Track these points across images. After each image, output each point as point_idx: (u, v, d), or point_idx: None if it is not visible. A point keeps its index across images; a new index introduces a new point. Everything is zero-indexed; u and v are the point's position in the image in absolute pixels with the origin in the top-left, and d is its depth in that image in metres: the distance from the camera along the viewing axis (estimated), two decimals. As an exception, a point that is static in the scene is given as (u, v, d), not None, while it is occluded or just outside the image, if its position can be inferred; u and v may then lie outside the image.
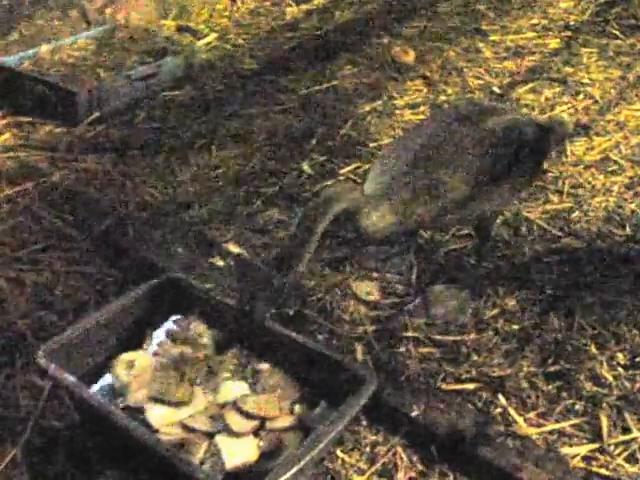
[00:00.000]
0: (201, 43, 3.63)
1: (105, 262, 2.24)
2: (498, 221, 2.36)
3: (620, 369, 1.91)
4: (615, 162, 2.75)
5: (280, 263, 1.63)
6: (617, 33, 3.74)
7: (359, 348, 1.94)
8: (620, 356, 1.94)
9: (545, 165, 2.60)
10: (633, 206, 2.50)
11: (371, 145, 2.83)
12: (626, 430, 1.76)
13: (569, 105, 3.12)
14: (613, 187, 2.61)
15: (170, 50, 3.36)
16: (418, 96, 3.21)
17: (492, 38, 3.73)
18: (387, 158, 1.88)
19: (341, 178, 2.63)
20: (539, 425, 1.76)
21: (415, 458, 1.71)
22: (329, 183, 2.59)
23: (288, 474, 1.44)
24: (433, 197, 1.82)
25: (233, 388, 1.73)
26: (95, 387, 1.73)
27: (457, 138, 1.88)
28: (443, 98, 3.18)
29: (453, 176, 1.83)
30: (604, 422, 1.77)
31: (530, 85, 3.28)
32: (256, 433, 1.63)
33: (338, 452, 1.71)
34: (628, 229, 2.40)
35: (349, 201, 1.69)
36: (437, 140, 1.87)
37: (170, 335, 1.85)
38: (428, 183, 1.81)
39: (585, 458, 1.69)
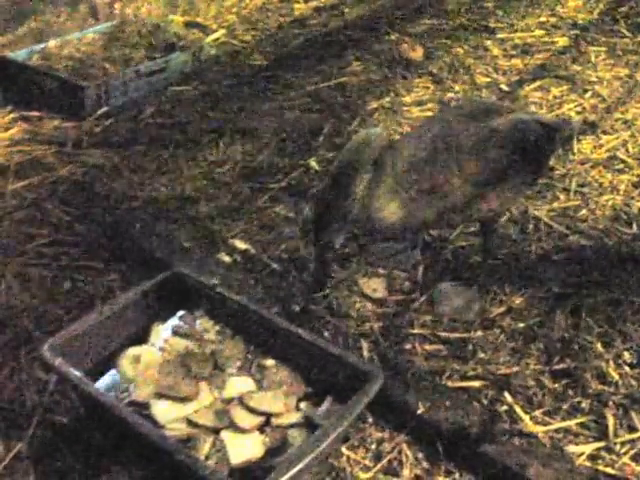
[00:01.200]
0: (209, 39, 3.63)
1: (111, 257, 2.24)
2: (505, 218, 2.36)
3: (626, 368, 1.90)
4: (622, 160, 2.74)
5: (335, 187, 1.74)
6: (625, 32, 3.72)
7: (365, 345, 1.94)
8: (626, 355, 1.94)
9: (552, 163, 2.60)
10: (640, 204, 2.50)
11: (378, 142, 2.82)
12: (632, 429, 1.75)
13: (576, 103, 3.11)
14: (620, 185, 2.60)
15: (178, 45, 3.36)
16: (425, 93, 3.20)
17: (500, 36, 3.72)
18: (392, 155, 1.87)
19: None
20: (545, 423, 1.76)
21: (421, 455, 1.71)
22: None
23: (293, 471, 1.44)
24: (438, 196, 1.81)
25: (239, 384, 1.73)
26: (100, 382, 1.73)
27: (462, 137, 1.88)
28: (451, 95, 3.17)
29: (458, 175, 1.83)
30: (610, 420, 1.77)
31: (538, 83, 3.28)
32: (261, 429, 1.63)
33: (343, 449, 1.71)
34: (635, 227, 2.39)
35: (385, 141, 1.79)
36: (442, 139, 1.87)
37: (176, 330, 1.86)
38: (433, 182, 1.81)
39: (591, 456, 1.69)
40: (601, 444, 1.72)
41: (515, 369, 1.89)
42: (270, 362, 1.79)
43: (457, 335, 1.99)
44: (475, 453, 1.67)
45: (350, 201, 1.72)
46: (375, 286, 2.14)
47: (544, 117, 2.12)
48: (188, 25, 3.75)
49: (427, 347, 1.95)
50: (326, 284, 1.92)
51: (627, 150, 2.80)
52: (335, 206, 1.74)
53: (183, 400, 1.67)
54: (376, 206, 1.76)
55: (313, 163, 2.71)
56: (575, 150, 2.78)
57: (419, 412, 1.74)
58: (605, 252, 2.27)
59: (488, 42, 3.65)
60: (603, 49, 3.57)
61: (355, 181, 1.73)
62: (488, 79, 3.32)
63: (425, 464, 1.70)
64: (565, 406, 1.80)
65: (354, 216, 1.75)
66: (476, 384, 1.85)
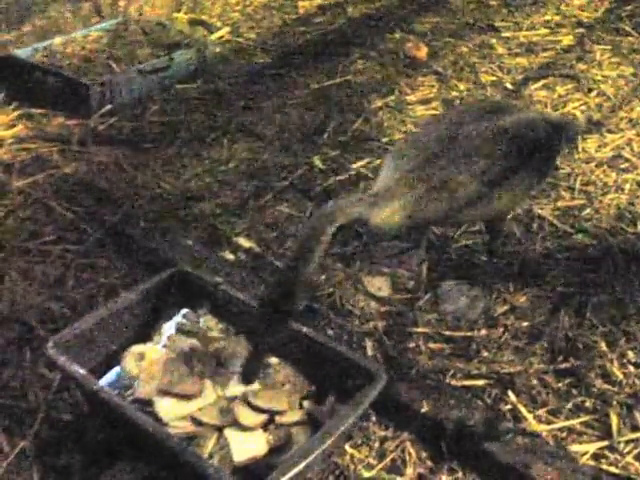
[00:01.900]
0: (214, 37, 3.63)
1: (115, 254, 2.24)
2: (509, 217, 2.35)
3: (630, 367, 1.90)
4: (627, 160, 2.74)
5: (281, 285, 1.60)
6: (630, 30, 3.72)
7: (369, 343, 1.94)
8: (630, 354, 1.93)
9: (557, 162, 2.59)
10: (645, 204, 2.49)
11: (383, 140, 2.82)
12: (636, 428, 1.75)
13: (581, 102, 3.11)
14: (625, 184, 2.59)
15: (182, 43, 3.35)
16: (430, 92, 3.20)
17: (505, 34, 3.71)
18: (399, 154, 1.87)
19: (352, 173, 2.63)
20: (549, 422, 1.76)
21: (424, 454, 1.71)
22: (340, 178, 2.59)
23: (296, 469, 1.44)
24: (445, 194, 1.81)
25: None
26: (104, 379, 1.74)
27: (469, 135, 1.87)
28: (455, 94, 3.17)
29: (465, 173, 1.83)
30: (614, 420, 1.76)
31: (542, 82, 3.27)
32: (265, 427, 1.63)
33: (347, 447, 1.71)
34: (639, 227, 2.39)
35: (352, 215, 1.68)
36: (449, 137, 1.87)
37: (180, 328, 1.85)
38: (440, 180, 1.81)
39: (594, 456, 1.69)
40: (605, 443, 1.72)
41: (519, 368, 1.89)
42: (274, 360, 1.78)
43: (461, 334, 1.99)
44: (479, 452, 1.67)
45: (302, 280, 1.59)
46: (379, 285, 2.14)
47: (551, 116, 2.12)
48: (192, 23, 3.75)
49: (431, 346, 1.95)
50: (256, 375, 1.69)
51: (632, 149, 2.79)
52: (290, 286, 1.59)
53: (187, 398, 1.66)
54: (381, 205, 1.76)
55: (317, 161, 2.71)
56: (580, 149, 2.78)
57: (423, 411, 1.74)
58: (609, 251, 2.27)
59: (493, 40, 3.65)
60: (608, 48, 3.56)
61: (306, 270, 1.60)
62: (493, 77, 3.31)
63: (428, 462, 1.70)
64: (569, 405, 1.80)
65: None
66: (480, 383, 1.85)
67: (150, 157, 2.73)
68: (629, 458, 1.68)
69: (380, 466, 1.68)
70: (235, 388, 1.71)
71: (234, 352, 1.80)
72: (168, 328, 1.85)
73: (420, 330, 2.00)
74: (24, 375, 1.84)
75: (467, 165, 1.83)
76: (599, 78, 3.29)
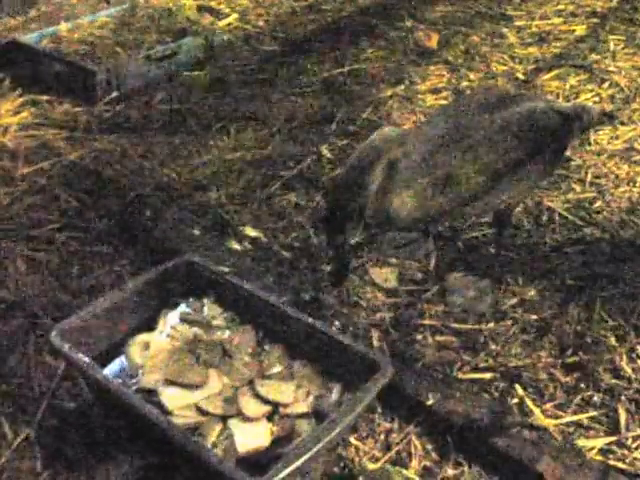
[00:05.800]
0: (222, 24, 3.61)
1: (121, 243, 2.23)
2: (519, 209, 2.34)
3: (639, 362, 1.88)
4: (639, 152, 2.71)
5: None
6: (644, 21, 3.69)
7: (375, 335, 1.92)
8: (640, 349, 1.92)
9: (568, 153, 2.57)
10: (657, 196, 2.47)
11: (392, 130, 2.80)
12: (644, 424, 1.74)
13: (594, 93, 3.08)
14: (637, 177, 2.57)
15: (190, 30, 3.34)
16: (440, 81, 3.17)
17: (517, 23, 3.68)
18: (408, 144, 1.85)
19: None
20: (556, 416, 1.74)
21: (430, 447, 1.70)
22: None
23: (301, 460, 1.43)
24: (453, 186, 1.80)
25: (248, 371, 1.72)
26: (109, 368, 1.73)
27: (477, 126, 1.85)
28: (466, 84, 3.15)
29: (473, 164, 1.81)
30: (622, 415, 1.75)
31: (555, 72, 3.24)
32: (269, 418, 1.62)
33: (352, 439, 1.70)
34: (651, 220, 2.37)
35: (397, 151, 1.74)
36: (457, 128, 1.85)
37: (184, 317, 1.85)
38: (448, 171, 1.79)
39: (602, 451, 1.67)
40: (613, 438, 1.70)
41: (527, 361, 1.87)
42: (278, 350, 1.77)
43: (468, 326, 1.98)
44: (485, 445, 1.66)
45: (365, 198, 1.69)
46: (386, 276, 2.12)
47: (562, 105, 2.09)
48: (200, 9, 3.72)
49: (438, 338, 1.94)
50: (346, 279, 1.87)
51: (645, 141, 2.77)
52: (350, 205, 1.69)
53: (191, 387, 1.66)
54: (390, 198, 1.74)
55: (325, 151, 2.69)
56: (591, 141, 2.75)
57: (429, 403, 1.73)
58: (620, 244, 2.25)
59: (505, 30, 3.62)
60: (622, 38, 3.53)
61: (370, 177, 1.70)
62: (504, 67, 3.29)
63: (434, 455, 1.69)
64: (577, 400, 1.79)
65: (369, 211, 1.72)
66: (487, 376, 1.83)
67: (156, 145, 2.72)
68: (637, 454, 1.67)
69: (385, 458, 1.67)
70: (241, 378, 1.69)
71: (240, 342, 1.79)
72: (172, 317, 1.85)
73: (427, 322, 1.98)
74: (28, 363, 1.84)
75: (474, 156, 1.81)
76: (612, 69, 3.26)
